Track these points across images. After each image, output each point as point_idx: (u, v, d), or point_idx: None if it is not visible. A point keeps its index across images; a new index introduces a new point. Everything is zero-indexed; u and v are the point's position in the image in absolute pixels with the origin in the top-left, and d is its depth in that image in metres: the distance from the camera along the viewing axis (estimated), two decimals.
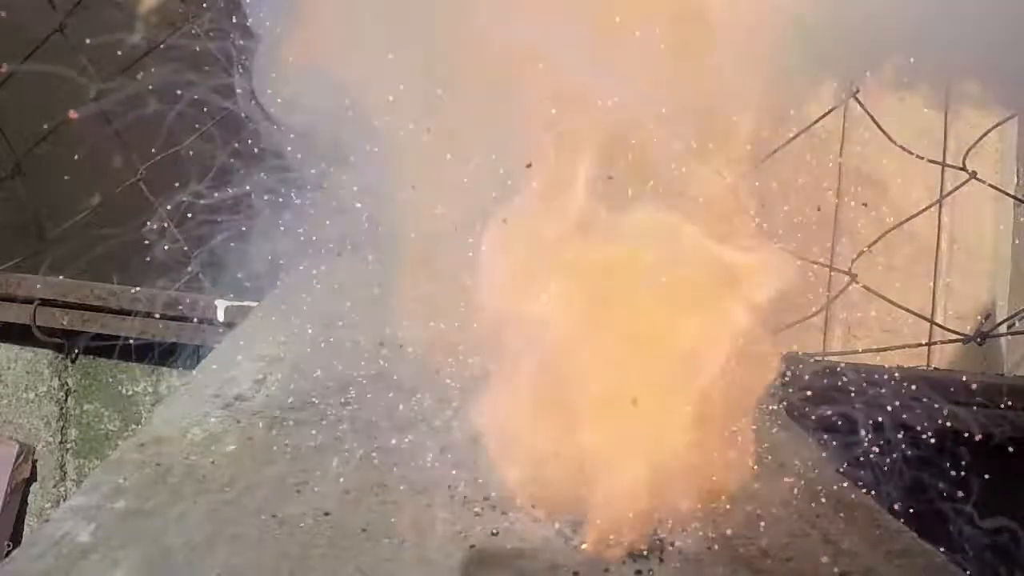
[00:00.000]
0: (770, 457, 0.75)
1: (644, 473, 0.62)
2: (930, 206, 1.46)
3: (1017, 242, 1.71)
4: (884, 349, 1.36)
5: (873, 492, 0.74)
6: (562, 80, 0.67)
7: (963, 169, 1.34)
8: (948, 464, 0.89)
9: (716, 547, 0.62)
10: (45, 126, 1.68)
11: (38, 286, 1.51)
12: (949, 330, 1.38)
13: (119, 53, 1.66)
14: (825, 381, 0.90)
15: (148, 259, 1.39)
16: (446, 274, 0.74)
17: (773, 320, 0.68)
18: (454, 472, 0.69)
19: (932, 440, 0.88)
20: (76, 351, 1.54)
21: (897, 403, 0.88)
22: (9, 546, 1.51)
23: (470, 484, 0.67)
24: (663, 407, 0.63)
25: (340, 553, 0.58)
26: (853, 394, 0.87)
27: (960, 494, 0.89)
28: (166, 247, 1.44)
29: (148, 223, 1.48)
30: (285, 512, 0.62)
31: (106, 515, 0.60)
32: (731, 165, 0.70)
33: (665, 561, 0.60)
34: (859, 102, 1.35)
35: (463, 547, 0.60)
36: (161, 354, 1.42)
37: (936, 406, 0.99)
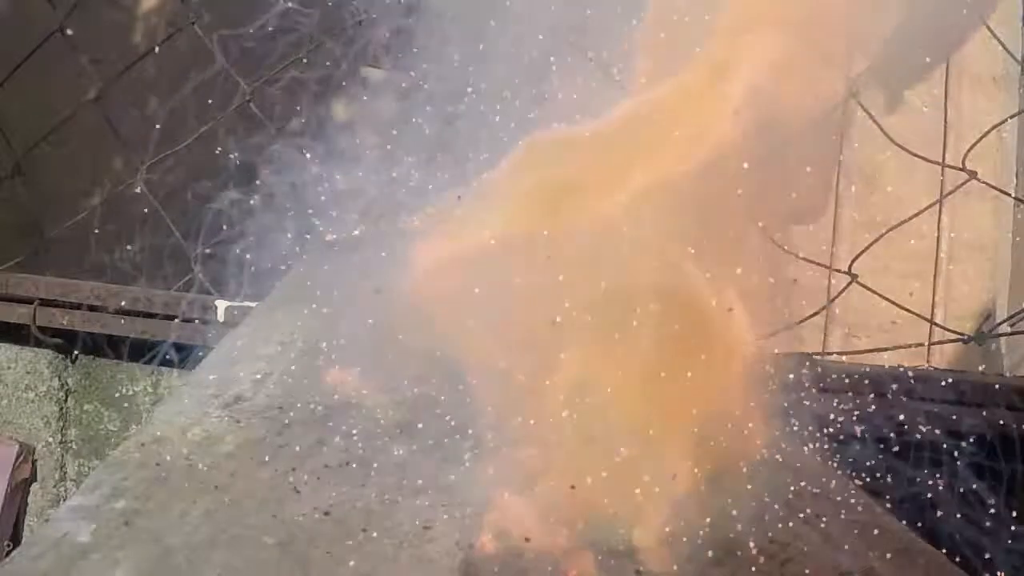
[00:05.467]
0: (769, 457, 0.75)
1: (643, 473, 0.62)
2: (930, 206, 1.46)
3: (1017, 242, 1.70)
4: (884, 349, 1.36)
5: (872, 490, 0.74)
6: None
7: (963, 169, 1.34)
8: (949, 464, 0.89)
9: (716, 547, 0.61)
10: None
11: (38, 286, 1.50)
12: (949, 330, 1.38)
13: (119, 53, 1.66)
14: (824, 380, 0.90)
15: (147, 258, 1.39)
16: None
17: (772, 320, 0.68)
18: (455, 472, 0.69)
19: (931, 440, 0.88)
20: (76, 351, 1.54)
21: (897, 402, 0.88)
22: (9, 546, 1.51)
23: (471, 484, 0.67)
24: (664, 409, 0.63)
25: (340, 553, 0.58)
26: (852, 393, 0.87)
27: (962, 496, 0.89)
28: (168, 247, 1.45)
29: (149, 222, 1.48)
30: (285, 512, 0.62)
31: (106, 515, 0.60)
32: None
33: (665, 562, 0.60)
34: (859, 103, 1.35)
35: (463, 547, 0.60)
36: (161, 354, 1.42)
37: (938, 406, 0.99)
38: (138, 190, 1.53)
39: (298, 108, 1.21)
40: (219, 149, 1.34)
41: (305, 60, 1.28)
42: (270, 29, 1.14)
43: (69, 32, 1.64)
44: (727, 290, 0.67)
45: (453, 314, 0.71)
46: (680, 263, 0.66)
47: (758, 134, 0.67)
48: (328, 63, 1.24)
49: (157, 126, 1.53)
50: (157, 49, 1.57)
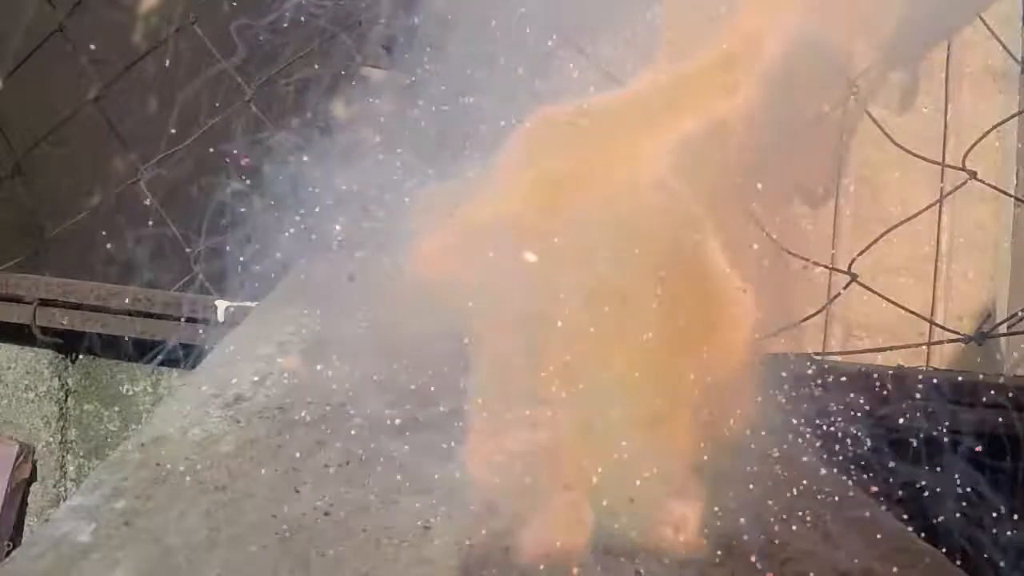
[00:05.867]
0: (769, 457, 0.75)
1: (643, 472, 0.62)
2: (930, 206, 1.46)
3: (1017, 242, 1.71)
4: (884, 349, 1.36)
5: (872, 490, 0.74)
6: None
7: (963, 169, 1.34)
8: (949, 464, 0.89)
9: (715, 548, 0.61)
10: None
11: (38, 286, 1.50)
12: (949, 330, 1.38)
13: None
14: (824, 380, 0.90)
15: (148, 258, 1.39)
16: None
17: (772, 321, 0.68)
18: (455, 473, 0.69)
19: (930, 440, 0.88)
20: (76, 351, 1.54)
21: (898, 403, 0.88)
22: (9, 546, 1.51)
23: (471, 484, 0.67)
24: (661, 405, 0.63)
25: (340, 553, 0.58)
26: (852, 393, 0.87)
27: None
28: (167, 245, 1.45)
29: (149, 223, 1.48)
30: (285, 512, 0.62)
31: (106, 515, 0.60)
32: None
33: (665, 562, 0.60)
34: (859, 102, 1.35)
35: (463, 547, 0.60)
36: (161, 354, 1.42)
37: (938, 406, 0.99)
38: (146, 202, 1.53)
39: (300, 107, 1.21)
40: (220, 149, 1.34)
41: (317, 67, 1.28)
42: (285, 25, 1.14)
43: (69, 32, 1.64)
44: (737, 274, 0.67)
45: (455, 302, 0.71)
46: (691, 244, 0.66)
47: (762, 116, 0.67)
48: (321, 63, 1.24)
49: (158, 126, 1.53)
50: (168, 62, 1.57)
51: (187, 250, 1.47)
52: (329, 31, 1.27)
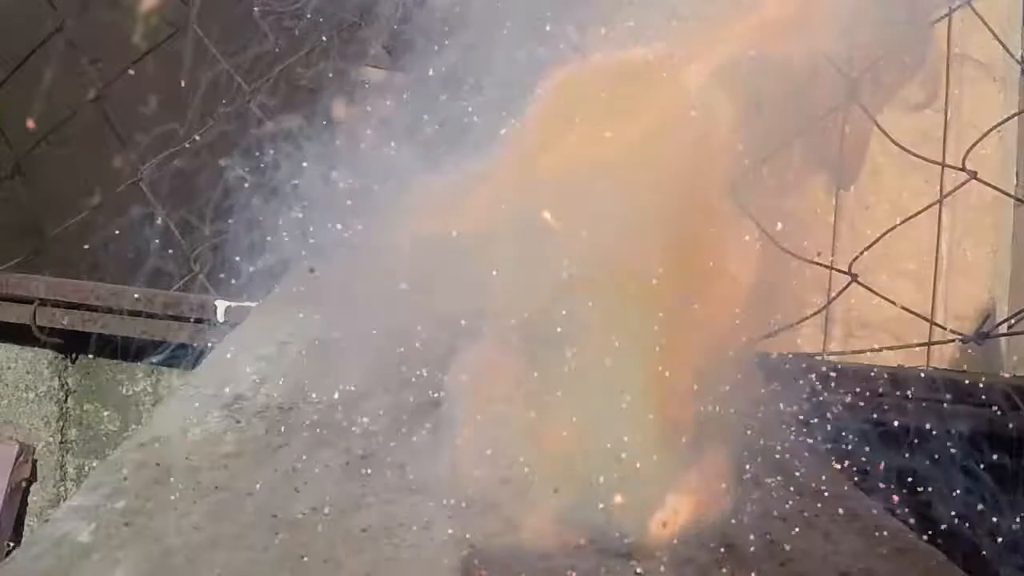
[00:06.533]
0: (769, 457, 0.75)
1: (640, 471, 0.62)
2: (930, 206, 1.46)
3: (1017, 242, 1.70)
4: (884, 349, 1.36)
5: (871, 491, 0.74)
6: None
7: (963, 169, 1.34)
8: (949, 463, 0.89)
9: (716, 548, 0.61)
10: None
11: (38, 286, 1.50)
12: (949, 330, 1.38)
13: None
14: (824, 380, 0.90)
15: (148, 259, 1.39)
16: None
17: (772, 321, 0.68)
18: (455, 473, 0.68)
19: (930, 440, 0.88)
20: (76, 351, 1.54)
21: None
22: (9, 546, 1.51)
23: (470, 484, 0.67)
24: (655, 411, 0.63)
25: (340, 553, 0.58)
26: (852, 393, 0.87)
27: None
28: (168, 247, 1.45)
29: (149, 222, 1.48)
30: (285, 512, 0.62)
31: (106, 515, 0.60)
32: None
33: (665, 562, 0.60)
34: (859, 103, 1.35)
35: (463, 547, 0.60)
36: (161, 354, 1.42)
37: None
38: (146, 202, 1.53)
39: (303, 105, 1.21)
40: (220, 148, 1.34)
41: (329, 72, 1.27)
42: (308, 16, 1.14)
43: (69, 32, 1.64)
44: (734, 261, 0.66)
45: (457, 296, 0.71)
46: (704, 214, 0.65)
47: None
48: (328, 60, 1.24)
49: (158, 126, 1.53)
50: (168, 62, 1.57)
51: (187, 250, 1.48)
52: (348, 20, 1.26)
